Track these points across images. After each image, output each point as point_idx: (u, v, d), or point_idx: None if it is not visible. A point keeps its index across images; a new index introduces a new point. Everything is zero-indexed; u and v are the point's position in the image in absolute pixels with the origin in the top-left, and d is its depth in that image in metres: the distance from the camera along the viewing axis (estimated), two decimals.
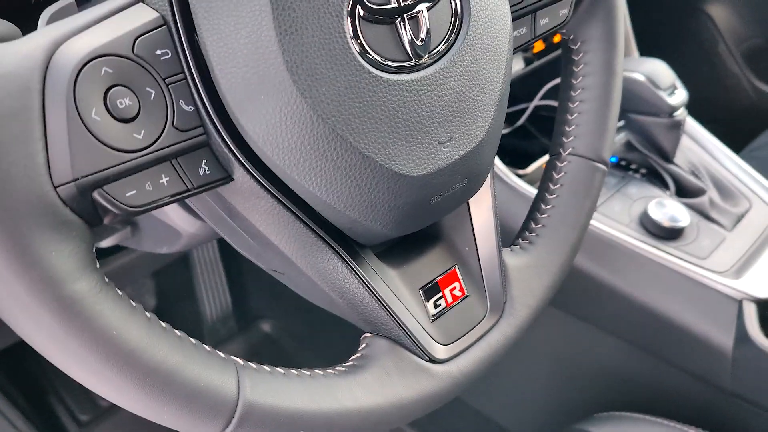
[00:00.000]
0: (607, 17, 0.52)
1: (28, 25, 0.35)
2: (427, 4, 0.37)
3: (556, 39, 0.93)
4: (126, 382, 0.32)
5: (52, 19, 0.37)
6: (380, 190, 0.38)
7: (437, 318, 0.44)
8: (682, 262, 0.76)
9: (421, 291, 0.44)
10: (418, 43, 0.37)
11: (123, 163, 0.31)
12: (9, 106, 0.28)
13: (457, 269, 0.46)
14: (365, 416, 0.40)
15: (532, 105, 0.97)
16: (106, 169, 0.31)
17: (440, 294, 0.45)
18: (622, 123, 0.91)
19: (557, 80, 1.00)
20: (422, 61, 0.37)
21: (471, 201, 0.46)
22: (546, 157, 0.93)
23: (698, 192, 0.84)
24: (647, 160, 0.87)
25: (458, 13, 0.38)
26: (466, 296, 0.46)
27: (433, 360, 0.43)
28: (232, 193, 0.38)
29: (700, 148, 0.89)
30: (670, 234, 0.79)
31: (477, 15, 0.39)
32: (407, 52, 0.37)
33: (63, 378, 1.21)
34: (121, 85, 0.32)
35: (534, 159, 0.91)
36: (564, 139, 0.53)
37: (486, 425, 1.07)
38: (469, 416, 1.09)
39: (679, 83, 0.85)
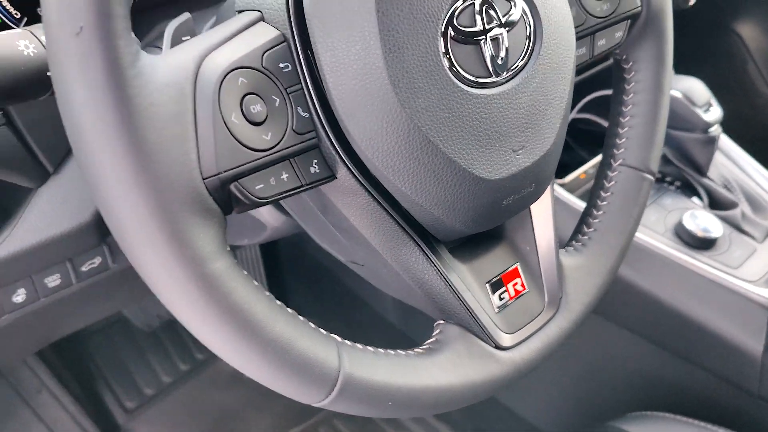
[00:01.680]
0: (657, 39, 0.56)
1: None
2: (507, 27, 0.42)
3: None
4: (250, 351, 0.37)
5: (177, 32, 0.43)
6: (462, 191, 0.43)
7: (501, 310, 0.49)
8: (715, 270, 0.80)
9: (487, 285, 0.49)
10: (498, 61, 0.42)
11: (255, 160, 0.37)
12: (170, 111, 0.34)
13: (518, 266, 0.51)
14: (441, 393, 0.44)
15: (569, 118, 1.02)
16: (242, 165, 0.36)
17: (504, 288, 0.50)
18: None
19: (594, 94, 1.04)
20: (501, 77, 0.42)
21: (536, 205, 0.51)
22: (583, 168, 0.97)
23: (730, 205, 0.88)
24: (682, 174, 0.92)
25: (532, 35, 0.43)
26: (527, 291, 0.51)
27: (498, 347, 0.48)
28: (332, 190, 0.43)
29: (732, 163, 0.93)
30: (703, 244, 0.83)
31: (548, 37, 0.44)
32: (489, 69, 0.42)
33: (111, 367, 1.27)
34: (253, 93, 0.37)
35: (572, 169, 0.96)
36: (615, 151, 0.57)
37: (518, 424, 1.12)
38: (502, 415, 1.14)
39: (714, 101, 0.89)
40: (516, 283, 0.51)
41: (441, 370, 0.45)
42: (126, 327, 1.34)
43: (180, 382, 1.32)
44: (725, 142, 0.95)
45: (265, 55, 0.38)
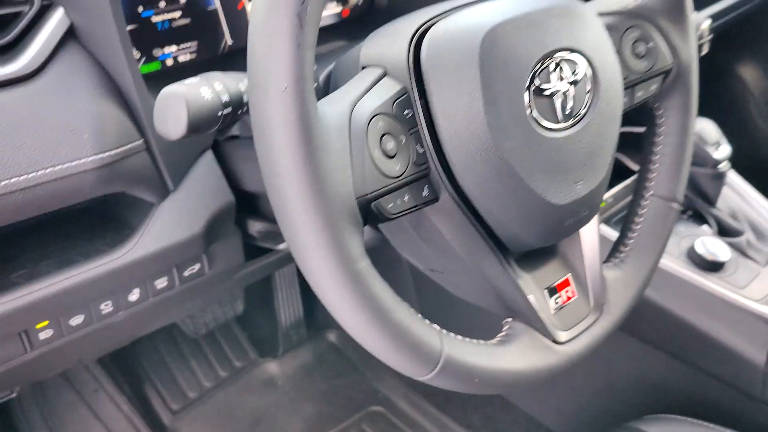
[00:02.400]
0: (685, 91, 0.68)
1: None
2: (573, 84, 0.53)
3: None
4: (378, 332, 0.47)
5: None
6: (536, 212, 0.53)
7: (557, 311, 0.60)
8: (723, 290, 0.91)
9: (545, 290, 0.60)
10: (566, 111, 0.53)
11: (389, 185, 0.48)
12: (336, 147, 0.45)
13: (569, 277, 0.62)
14: (512, 375, 0.55)
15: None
16: (381, 189, 0.47)
17: (558, 294, 0.61)
18: None
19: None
20: (568, 123, 0.53)
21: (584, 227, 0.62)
22: (608, 194, 1.08)
23: (737, 233, 0.99)
24: (693, 204, 1.03)
25: (592, 90, 0.55)
26: (576, 297, 0.62)
27: (555, 341, 0.58)
28: (432, 210, 0.54)
29: (738, 196, 1.05)
30: (712, 267, 0.94)
31: (603, 91, 0.55)
32: (559, 117, 0.53)
33: (158, 372, 1.36)
34: (388, 134, 0.48)
35: None
36: (647, 184, 0.68)
37: (537, 429, 1.21)
38: (521, 420, 1.23)
39: (724, 140, 1.01)
40: (568, 290, 0.61)
41: (513, 357, 0.55)
42: (171, 335, 1.43)
43: (219, 387, 1.41)
44: (732, 176, 1.06)
45: (395, 104, 0.49)
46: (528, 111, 0.51)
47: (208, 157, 0.71)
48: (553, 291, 0.61)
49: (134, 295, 0.71)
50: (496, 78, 0.50)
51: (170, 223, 0.69)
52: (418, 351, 0.49)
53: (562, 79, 0.53)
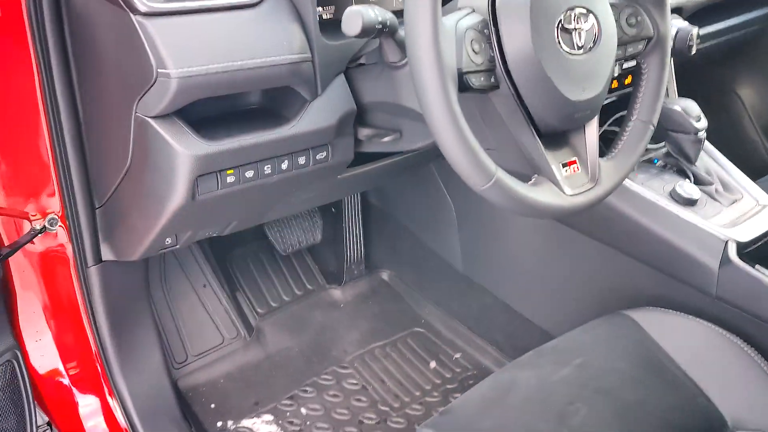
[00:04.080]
0: (662, 53, 1.02)
1: None
2: (585, 29, 0.89)
3: (628, 81, 1.44)
4: (460, 149, 0.80)
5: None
6: (557, 103, 0.88)
7: (567, 178, 0.94)
8: (693, 217, 1.24)
9: (560, 164, 0.94)
10: (580, 43, 0.88)
11: (473, 68, 0.83)
12: (449, 42, 0.80)
13: (576, 159, 0.96)
14: (536, 203, 0.88)
15: (602, 128, 1.48)
16: (470, 70, 0.83)
17: (568, 167, 0.95)
18: (662, 144, 1.41)
19: (618, 114, 1.50)
20: (581, 51, 0.88)
21: (587, 125, 0.96)
22: None
23: (708, 183, 1.32)
24: (678, 162, 1.36)
25: (597, 34, 0.90)
26: (580, 171, 0.96)
27: (565, 193, 0.92)
28: (495, 96, 0.89)
29: (713, 160, 1.38)
30: (687, 202, 1.27)
31: (604, 36, 0.90)
32: (575, 47, 0.88)
33: (248, 282, 1.71)
34: (474, 40, 0.84)
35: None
36: (633, 111, 1.03)
37: (546, 338, 1.53)
38: (535, 334, 1.55)
39: (702, 115, 1.34)
40: (574, 167, 0.96)
41: (538, 193, 0.89)
42: (258, 257, 1.79)
43: (294, 302, 1.76)
44: (709, 146, 1.40)
45: (479, 25, 0.85)
46: (557, 39, 0.87)
47: (341, 77, 1.07)
48: (564, 165, 0.95)
49: (284, 164, 1.07)
50: (538, 19, 0.85)
51: (316, 115, 1.05)
52: (481, 167, 0.83)
53: (578, 23, 0.88)
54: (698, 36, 1.38)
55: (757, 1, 1.79)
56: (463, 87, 0.84)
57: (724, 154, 1.43)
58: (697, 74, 2.02)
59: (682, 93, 1.55)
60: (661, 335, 1.14)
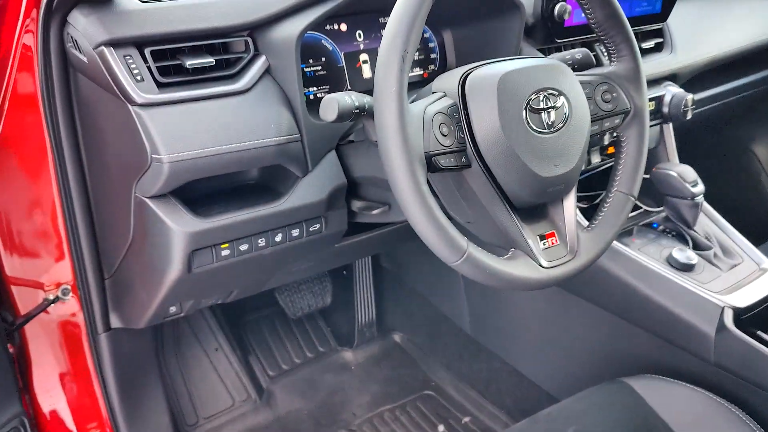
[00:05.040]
0: (640, 126, 1.05)
1: None
2: (555, 109, 0.92)
3: (610, 150, 1.46)
4: (430, 228, 0.84)
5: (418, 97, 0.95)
6: (529, 180, 0.91)
7: (545, 250, 0.96)
8: (690, 282, 1.24)
9: (537, 236, 0.96)
10: (549, 122, 0.92)
11: (442, 150, 0.87)
12: (417, 125, 0.85)
13: (555, 232, 0.98)
14: (511, 277, 0.90)
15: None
16: (438, 151, 0.86)
17: (546, 240, 0.97)
18: (661, 208, 1.42)
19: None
20: (550, 131, 0.92)
21: (565, 199, 0.98)
22: None
23: (707, 248, 1.32)
24: (677, 227, 1.37)
25: (568, 114, 0.93)
26: (558, 244, 0.98)
27: (541, 265, 0.94)
28: (468, 174, 0.92)
29: (712, 222, 1.38)
30: (684, 267, 1.27)
31: (574, 116, 0.94)
32: (545, 126, 0.91)
33: (260, 345, 1.74)
34: (443, 123, 0.88)
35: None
36: (613, 183, 1.04)
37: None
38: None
39: (699, 180, 1.35)
40: (552, 239, 0.98)
41: (513, 266, 0.91)
42: (271, 320, 1.83)
43: (305, 364, 1.79)
44: (709, 209, 1.40)
45: (448, 109, 0.89)
46: (525, 120, 0.90)
47: (332, 154, 1.12)
48: (542, 237, 0.97)
49: (278, 237, 1.12)
50: (506, 101, 0.89)
51: (307, 190, 1.10)
52: (452, 243, 0.86)
53: (547, 105, 0.92)
54: (693, 102, 1.40)
55: (757, 63, 1.80)
56: (433, 168, 0.88)
57: (738, 216, 1.42)
58: (713, 134, 2.02)
59: (699, 153, 1.56)
60: (658, 403, 1.13)
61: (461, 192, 0.97)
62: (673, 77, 1.50)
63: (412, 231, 0.88)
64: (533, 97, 0.91)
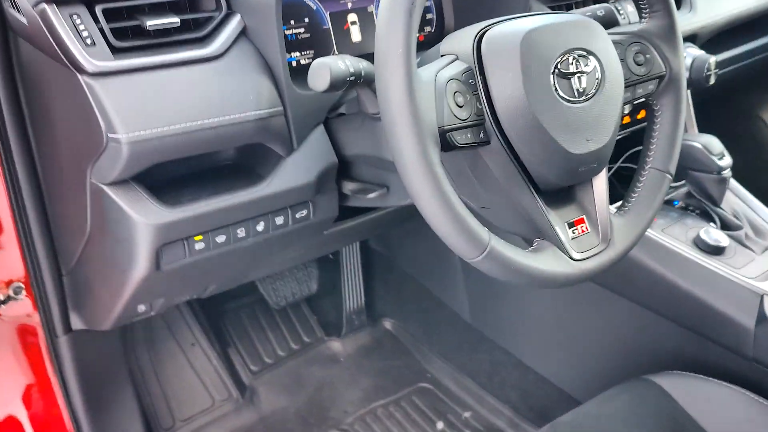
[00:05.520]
0: (677, 92, 0.91)
1: None
2: (586, 74, 0.77)
3: (640, 115, 1.32)
4: (447, 219, 0.70)
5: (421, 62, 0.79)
6: (558, 158, 0.77)
7: (573, 239, 0.82)
8: (722, 268, 1.11)
9: (566, 224, 0.83)
10: (580, 90, 0.77)
11: (458, 124, 0.72)
12: (427, 94, 0.70)
13: (584, 217, 0.84)
14: (539, 273, 0.77)
15: (616, 165, 1.36)
16: (453, 125, 0.71)
17: (575, 227, 0.83)
18: (683, 182, 1.29)
19: (632, 150, 1.38)
20: (581, 99, 0.77)
21: (594, 178, 0.84)
22: None
23: (737, 227, 1.19)
24: (701, 204, 1.24)
25: (600, 79, 0.79)
26: (588, 232, 0.84)
27: (573, 259, 0.80)
28: (486, 152, 0.78)
29: (740, 200, 1.25)
30: (714, 251, 1.14)
31: (608, 80, 0.79)
32: (575, 93, 0.77)
33: (241, 338, 1.61)
34: (458, 92, 0.73)
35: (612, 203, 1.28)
36: (647, 159, 0.91)
37: (567, 401, 1.40)
38: (553, 394, 1.42)
39: (726, 152, 1.22)
40: (582, 226, 0.84)
41: (540, 261, 0.77)
42: (253, 309, 1.69)
43: (290, 357, 1.65)
44: (735, 184, 1.27)
45: (463, 75, 0.74)
46: (553, 87, 0.75)
47: (320, 129, 0.97)
48: (571, 225, 0.83)
49: (260, 226, 0.97)
50: (531, 65, 0.74)
51: (292, 172, 0.94)
52: (472, 237, 0.72)
53: (577, 68, 0.77)
54: (716, 64, 1.26)
55: None
56: (447, 146, 0.73)
57: (753, 192, 1.30)
58: (717, 104, 1.89)
59: (703, 126, 1.43)
60: (690, 404, 1.02)
61: (476, 172, 0.82)
62: (692, 38, 1.36)
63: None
64: (561, 59, 0.76)
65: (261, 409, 1.52)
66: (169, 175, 0.92)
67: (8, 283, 1.08)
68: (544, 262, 0.78)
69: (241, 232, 0.95)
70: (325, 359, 1.67)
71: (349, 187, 1.03)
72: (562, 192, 0.84)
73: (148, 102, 0.80)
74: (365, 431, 1.48)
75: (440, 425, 1.49)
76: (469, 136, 0.74)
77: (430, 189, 0.69)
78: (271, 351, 1.64)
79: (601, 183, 0.85)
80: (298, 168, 0.95)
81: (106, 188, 0.85)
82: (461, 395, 1.56)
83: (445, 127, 0.72)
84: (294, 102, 0.91)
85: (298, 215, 1.00)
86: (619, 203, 0.92)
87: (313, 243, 1.14)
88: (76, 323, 1.12)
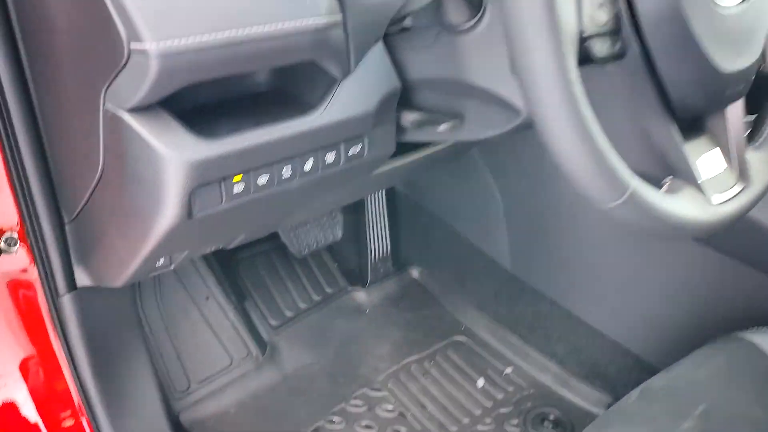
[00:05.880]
0: None
1: None
2: None
3: None
4: (585, 153, 0.55)
5: None
6: (705, 76, 0.61)
7: (711, 178, 0.67)
8: None
9: (702, 158, 0.68)
10: None
11: (596, 31, 0.56)
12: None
13: (719, 149, 0.69)
14: (680, 222, 0.62)
15: None
16: (592, 34, 0.56)
17: (710, 164, 0.68)
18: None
19: None
20: (736, 2, 0.61)
21: (730, 106, 0.69)
22: None
23: None
24: None
25: None
26: (725, 169, 0.69)
27: (711, 201, 0.66)
28: (615, 67, 0.61)
29: None
30: None
31: None
32: None
33: (259, 290, 1.46)
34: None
35: None
36: None
37: (624, 356, 1.28)
38: (607, 348, 1.31)
39: None
40: (717, 162, 0.69)
41: (680, 206, 0.63)
42: (269, 259, 1.53)
43: (313, 309, 1.51)
44: None
45: None
46: None
47: (379, 46, 0.79)
48: (705, 160, 0.68)
49: (308, 165, 0.80)
50: None
51: (350, 98, 0.78)
52: (614, 177, 0.57)
53: None
54: None
55: None
56: (583, 59, 0.57)
57: None
58: None
59: None
60: None
61: (594, 95, 0.66)
62: None
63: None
64: None
65: (284, 368, 1.39)
66: (198, 101, 0.75)
67: (0, 233, 0.92)
68: (683, 206, 0.63)
69: (287, 172, 0.79)
70: (350, 311, 1.53)
71: (410, 117, 0.86)
72: (695, 121, 0.68)
73: (182, 3, 0.62)
74: (400, 390, 1.35)
75: (481, 382, 1.37)
76: (605, 47, 0.58)
77: (570, 115, 0.53)
78: (292, 303, 1.49)
79: (737, 110, 0.70)
80: (356, 94, 0.78)
81: (125, 115, 0.67)
82: (500, 349, 1.44)
83: (585, 34, 0.55)
84: (354, 10, 0.73)
85: (351, 152, 0.83)
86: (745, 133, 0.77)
87: (356, 185, 0.98)
88: (82, 279, 0.96)
